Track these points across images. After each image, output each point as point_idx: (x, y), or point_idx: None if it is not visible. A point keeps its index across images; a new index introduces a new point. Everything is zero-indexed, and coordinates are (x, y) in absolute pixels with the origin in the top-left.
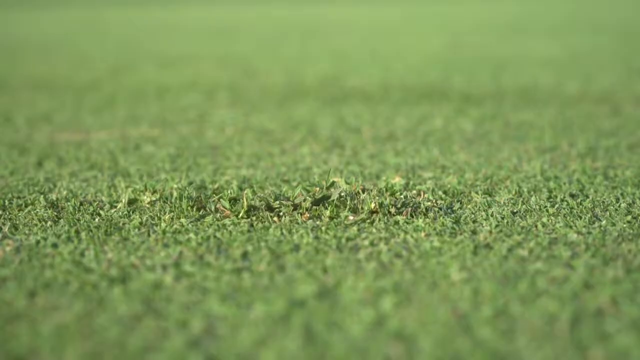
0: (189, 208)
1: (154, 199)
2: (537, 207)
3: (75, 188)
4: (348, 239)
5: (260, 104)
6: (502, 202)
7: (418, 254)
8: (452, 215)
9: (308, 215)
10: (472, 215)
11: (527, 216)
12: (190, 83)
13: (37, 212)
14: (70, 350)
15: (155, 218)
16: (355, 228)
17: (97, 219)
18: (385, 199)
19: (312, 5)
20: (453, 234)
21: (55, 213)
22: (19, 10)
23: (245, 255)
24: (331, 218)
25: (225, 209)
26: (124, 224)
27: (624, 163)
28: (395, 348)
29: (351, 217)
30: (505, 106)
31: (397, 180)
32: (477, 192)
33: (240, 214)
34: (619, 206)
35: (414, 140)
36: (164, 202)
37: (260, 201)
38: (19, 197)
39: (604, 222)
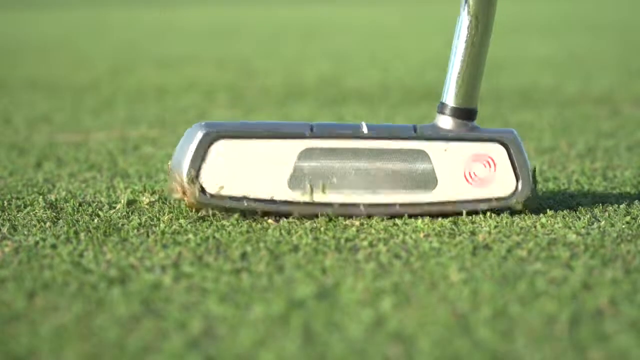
0: (187, 209)
1: (153, 199)
2: (536, 207)
3: (74, 189)
4: (347, 240)
5: (260, 105)
6: None
7: (417, 255)
8: (451, 216)
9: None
10: (471, 216)
11: (526, 217)
12: (190, 84)
13: (36, 212)
14: (70, 351)
15: (154, 219)
16: (354, 229)
17: (96, 220)
18: None
19: (311, 6)
20: (452, 234)
21: (54, 214)
22: (18, 10)
23: (244, 255)
24: (328, 221)
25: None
26: (122, 224)
27: (623, 164)
28: (395, 348)
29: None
30: (504, 107)
31: None
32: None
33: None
34: (618, 207)
35: None
36: (162, 203)
37: None
38: (18, 198)
39: (602, 223)
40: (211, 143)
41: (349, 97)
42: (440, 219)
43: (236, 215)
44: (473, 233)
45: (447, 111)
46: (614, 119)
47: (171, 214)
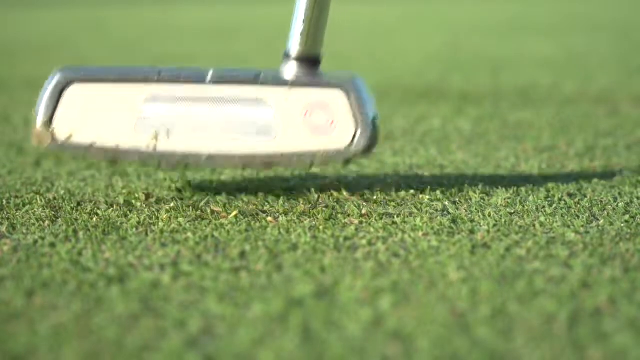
0: (186, 208)
1: (152, 200)
2: (535, 206)
3: (73, 188)
4: (346, 239)
5: None
6: (499, 202)
7: (416, 254)
8: (450, 214)
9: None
10: (470, 215)
11: (525, 216)
12: None
13: (35, 211)
14: (68, 349)
15: (153, 217)
16: (352, 227)
17: (94, 219)
18: (379, 201)
19: None
20: (451, 233)
21: (53, 213)
22: (17, 10)
23: (243, 254)
24: (326, 220)
25: (220, 211)
26: (121, 223)
27: (622, 163)
28: (393, 347)
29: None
30: (503, 106)
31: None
32: (474, 192)
33: (230, 217)
34: (617, 205)
35: (412, 139)
36: (162, 201)
37: (251, 206)
38: (16, 197)
39: (601, 222)
40: (64, 88)
41: None
42: (439, 217)
43: (235, 213)
44: (472, 232)
45: (290, 58)
46: (613, 117)
47: (170, 213)
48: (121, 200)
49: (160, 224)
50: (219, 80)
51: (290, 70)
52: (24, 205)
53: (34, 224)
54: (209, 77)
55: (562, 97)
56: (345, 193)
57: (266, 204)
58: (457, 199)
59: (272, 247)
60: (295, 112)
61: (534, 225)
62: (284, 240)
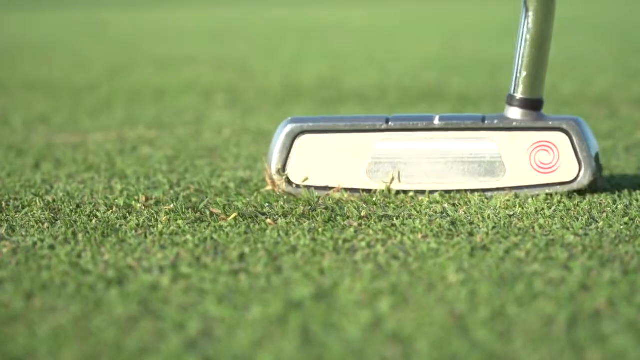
0: (185, 210)
1: (151, 202)
2: (534, 209)
3: (72, 190)
4: (345, 241)
5: (257, 106)
6: (498, 204)
7: (415, 256)
8: (449, 216)
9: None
10: (469, 217)
11: (524, 218)
12: (188, 85)
13: (34, 213)
14: (67, 351)
15: (152, 220)
16: (352, 230)
17: (94, 221)
18: (378, 203)
19: (309, 7)
20: (450, 235)
21: (52, 215)
22: (16, 11)
23: (242, 256)
24: (326, 221)
25: (220, 213)
26: (120, 225)
27: (621, 165)
28: (392, 349)
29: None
30: (502, 108)
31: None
32: (474, 194)
33: (229, 219)
34: (616, 208)
35: None
36: (161, 203)
37: (250, 208)
38: (16, 199)
39: (601, 224)
40: (295, 138)
41: (346, 98)
42: (438, 219)
43: (234, 215)
44: (471, 234)
45: (514, 102)
46: (612, 120)
47: (169, 215)
48: (120, 203)
49: (160, 226)
50: (445, 125)
51: (514, 113)
52: (23, 208)
53: (33, 226)
54: (436, 123)
55: (561, 98)
56: (344, 195)
57: (265, 206)
58: (456, 201)
59: (271, 250)
60: (521, 152)
61: (533, 228)
62: (283, 243)
